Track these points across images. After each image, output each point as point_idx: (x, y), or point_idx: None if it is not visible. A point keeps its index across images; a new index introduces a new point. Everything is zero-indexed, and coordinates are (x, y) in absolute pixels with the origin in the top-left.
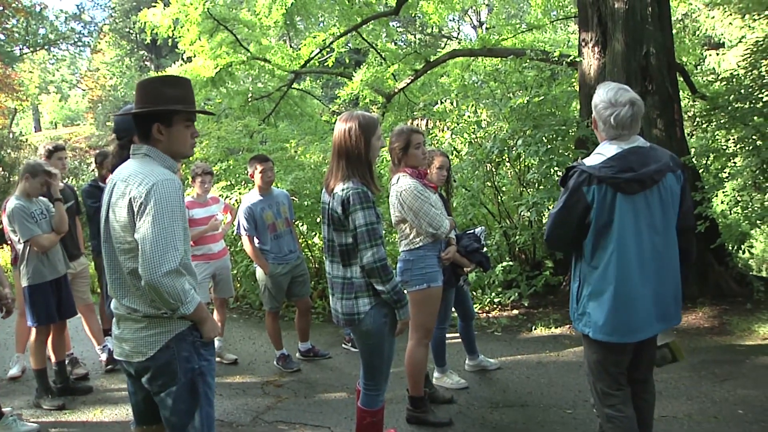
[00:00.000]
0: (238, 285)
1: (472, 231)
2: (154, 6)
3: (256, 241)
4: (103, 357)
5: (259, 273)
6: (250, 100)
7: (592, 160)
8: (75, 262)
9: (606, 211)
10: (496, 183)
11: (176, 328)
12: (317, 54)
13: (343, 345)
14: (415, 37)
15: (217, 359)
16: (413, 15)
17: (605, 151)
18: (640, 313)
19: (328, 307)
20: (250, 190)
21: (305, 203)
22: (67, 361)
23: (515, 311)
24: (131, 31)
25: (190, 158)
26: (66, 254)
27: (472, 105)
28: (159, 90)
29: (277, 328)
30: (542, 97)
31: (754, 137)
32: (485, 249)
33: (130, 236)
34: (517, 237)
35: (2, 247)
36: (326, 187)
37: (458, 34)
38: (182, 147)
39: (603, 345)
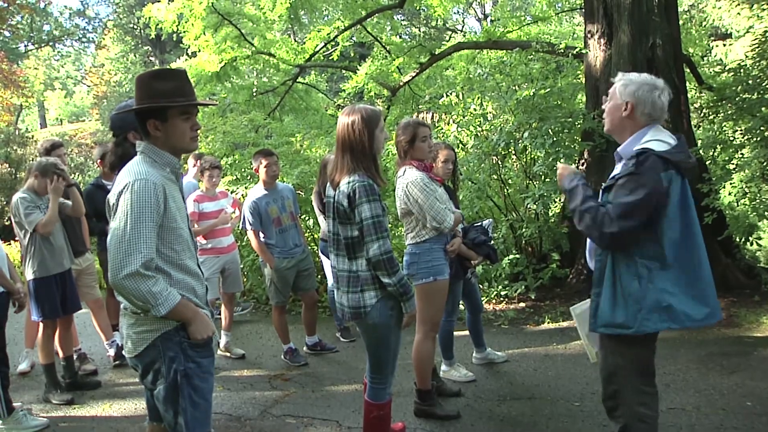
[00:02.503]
0: (245, 279)
1: (479, 224)
2: (159, 1)
3: (261, 235)
4: (112, 352)
5: (267, 268)
6: (255, 94)
7: (659, 145)
8: (80, 258)
9: (680, 197)
10: (502, 176)
11: (163, 327)
12: (322, 48)
13: (336, 334)
14: (419, 30)
15: (225, 354)
16: (418, 8)
17: (665, 137)
18: (710, 293)
19: None
20: (255, 184)
21: (311, 197)
22: (75, 357)
23: (522, 304)
24: (136, 27)
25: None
26: (71, 251)
27: (478, 98)
28: (150, 85)
29: (284, 322)
30: (548, 90)
31: (761, 128)
32: (492, 241)
33: None
34: (524, 230)
35: (10, 243)
36: (331, 182)
37: (463, 26)
38: (180, 141)
39: (645, 340)
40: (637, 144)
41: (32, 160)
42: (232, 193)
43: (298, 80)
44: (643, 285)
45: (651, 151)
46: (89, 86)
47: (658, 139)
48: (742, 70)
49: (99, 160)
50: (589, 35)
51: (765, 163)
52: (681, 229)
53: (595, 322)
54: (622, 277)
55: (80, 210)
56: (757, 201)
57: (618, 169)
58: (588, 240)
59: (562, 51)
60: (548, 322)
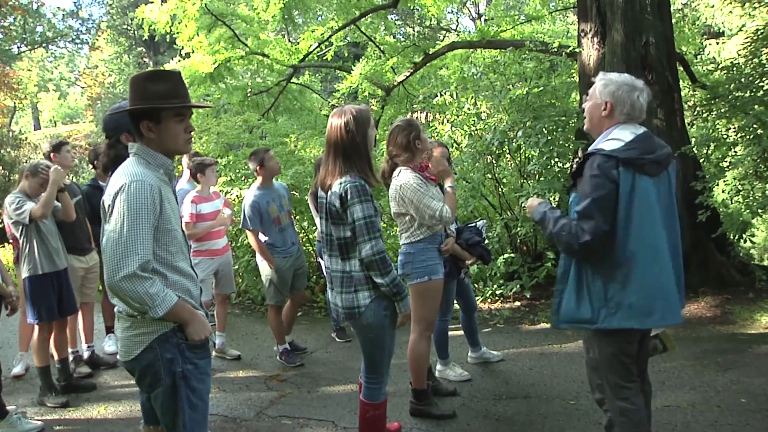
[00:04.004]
0: (240, 280)
1: (473, 224)
2: (152, 2)
3: (261, 236)
4: (85, 355)
5: (264, 268)
6: (249, 95)
7: (611, 144)
8: (87, 256)
9: (630, 195)
10: (496, 175)
11: (159, 329)
12: (316, 48)
13: (332, 334)
14: (413, 29)
15: (220, 355)
16: (411, 8)
17: (621, 136)
18: (669, 298)
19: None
20: (250, 185)
21: (305, 198)
22: (71, 359)
23: (517, 303)
24: (129, 28)
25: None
26: (78, 248)
27: (472, 97)
28: (144, 86)
29: (281, 322)
30: (542, 89)
31: (754, 126)
32: (486, 242)
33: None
34: (519, 229)
35: (4, 246)
36: (322, 186)
37: (457, 26)
38: (174, 143)
39: (620, 336)
40: (600, 143)
41: (26, 162)
42: (225, 194)
43: (292, 81)
44: (606, 282)
45: (600, 151)
46: (83, 88)
47: (616, 138)
48: (734, 69)
49: (52, 154)
50: (582, 34)
51: (758, 161)
52: (629, 226)
53: (558, 319)
54: (586, 274)
55: (70, 214)
56: (751, 198)
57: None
58: None
59: (556, 50)
60: (543, 321)
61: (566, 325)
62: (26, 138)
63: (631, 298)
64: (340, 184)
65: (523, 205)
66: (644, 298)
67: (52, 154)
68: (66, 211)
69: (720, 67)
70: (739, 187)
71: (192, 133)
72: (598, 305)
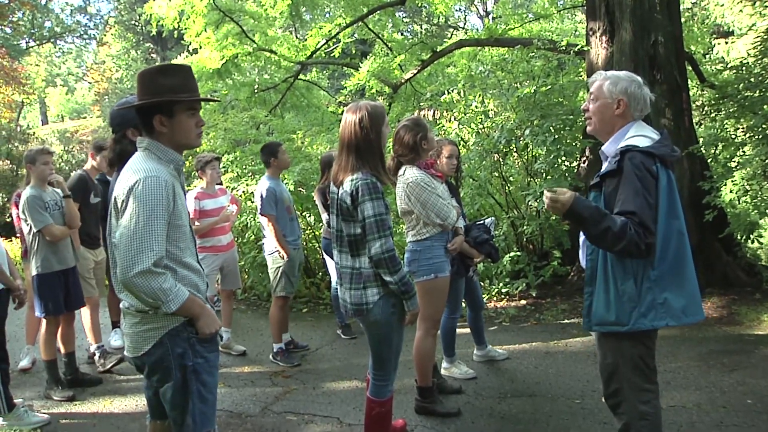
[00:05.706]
0: (246, 276)
1: (481, 222)
2: None
3: (265, 221)
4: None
5: (275, 258)
6: (256, 91)
7: (643, 141)
8: (97, 250)
9: (667, 192)
10: (503, 173)
11: (170, 324)
12: (323, 45)
13: (337, 331)
14: (421, 27)
15: (226, 351)
16: (419, 5)
17: (648, 133)
18: (697, 294)
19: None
20: (257, 181)
21: (312, 194)
22: (98, 355)
23: (523, 301)
24: (137, 24)
25: (197, 150)
26: (88, 241)
27: (479, 95)
28: (156, 80)
29: (285, 317)
30: (549, 87)
31: (763, 126)
32: (494, 240)
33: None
34: (525, 227)
35: (11, 240)
36: (335, 181)
37: (465, 24)
38: (186, 138)
39: (643, 338)
40: (622, 141)
41: None
42: (232, 190)
43: (299, 77)
44: (639, 283)
45: (635, 147)
46: (90, 83)
47: (642, 135)
48: (744, 68)
49: (91, 153)
50: (590, 32)
51: (766, 161)
52: (668, 223)
53: (589, 321)
54: (616, 275)
55: (74, 223)
56: (759, 199)
57: (604, 167)
58: (581, 239)
59: (564, 48)
60: (549, 320)
61: (598, 328)
62: (34, 133)
63: (665, 295)
64: (352, 181)
65: (529, 203)
66: (678, 295)
67: (91, 153)
68: (71, 218)
69: (729, 66)
70: (747, 187)
71: (202, 127)
72: (631, 306)
